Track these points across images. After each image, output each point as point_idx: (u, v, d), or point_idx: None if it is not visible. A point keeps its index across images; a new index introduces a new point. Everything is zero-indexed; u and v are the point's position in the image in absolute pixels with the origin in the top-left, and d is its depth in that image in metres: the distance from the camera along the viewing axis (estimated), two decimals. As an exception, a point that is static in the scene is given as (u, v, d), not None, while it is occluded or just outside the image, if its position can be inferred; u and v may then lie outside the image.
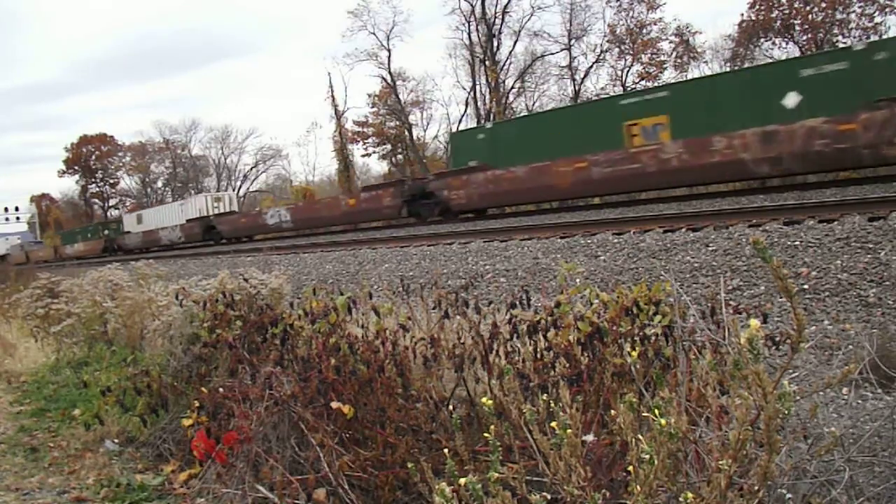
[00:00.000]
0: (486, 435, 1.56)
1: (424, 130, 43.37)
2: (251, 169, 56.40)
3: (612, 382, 2.22)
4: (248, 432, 2.43)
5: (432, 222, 18.32)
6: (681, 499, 1.27)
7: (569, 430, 1.48)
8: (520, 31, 36.26)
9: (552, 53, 37.12)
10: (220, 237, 28.65)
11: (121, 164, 61.95)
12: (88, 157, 60.56)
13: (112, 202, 63.55)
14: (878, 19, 29.53)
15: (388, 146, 44.05)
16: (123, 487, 2.80)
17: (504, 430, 1.70)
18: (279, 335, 3.08)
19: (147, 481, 2.82)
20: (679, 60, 35.61)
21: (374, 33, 38.70)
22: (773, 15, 32.08)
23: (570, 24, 35.88)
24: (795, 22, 31.48)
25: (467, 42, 37.13)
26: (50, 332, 5.82)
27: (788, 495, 1.59)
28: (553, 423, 1.52)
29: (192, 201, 33.56)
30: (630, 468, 1.39)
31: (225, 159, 57.62)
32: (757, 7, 32.53)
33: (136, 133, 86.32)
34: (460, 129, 25.40)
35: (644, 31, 35.36)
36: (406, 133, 41.58)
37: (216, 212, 31.85)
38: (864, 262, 5.25)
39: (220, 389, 2.78)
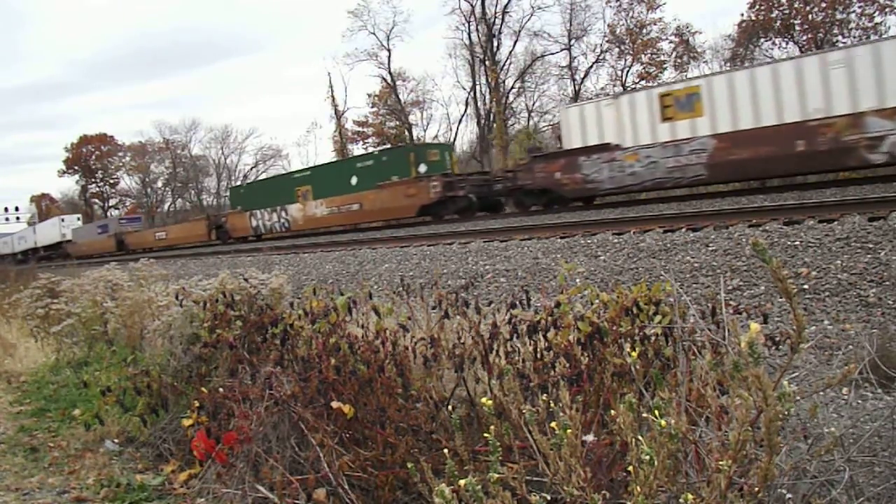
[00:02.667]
0: (486, 435, 1.56)
1: (424, 130, 43.38)
2: (251, 169, 56.32)
3: (612, 382, 2.22)
4: (248, 432, 2.43)
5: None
6: (681, 499, 1.27)
7: (569, 431, 1.48)
8: (520, 31, 36.32)
9: (552, 53, 37.19)
10: None
11: (121, 164, 61.96)
12: (88, 157, 60.55)
13: (112, 202, 63.56)
14: (878, 19, 29.58)
15: (389, 146, 44.05)
16: (123, 487, 2.80)
17: (504, 430, 1.70)
18: (279, 335, 3.07)
19: (147, 481, 2.82)
20: (679, 60, 35.62)
21: (374, 33, 38.81)
22: (773, 15, 32.07)
23: (570, 24, 35.95)
24: (795, 22, 31.47)
25: (467, 42, 37.21)
26: (50, 332, 5.81)
27: (788, 495, 1.59)
28: (553, 424, 1.51)
29: None
30: (630, 468, 1.39)
31: (225, 159, 57.61)
32: (757, 7, 32.52)
33: (136, 133, 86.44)
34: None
35: (644, 31, 35.38)
36: (406, 133, 41.58)
37: None
38: (864, 262, 5.25)
39: (220, 389, 2.78)
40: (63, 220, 38.93)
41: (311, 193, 22.18)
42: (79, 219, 40.42)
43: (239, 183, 34.03)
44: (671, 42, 35.55)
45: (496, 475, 1.43)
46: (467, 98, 38.61)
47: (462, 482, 1.41)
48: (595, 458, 1.69)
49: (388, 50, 39.20)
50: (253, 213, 24.61)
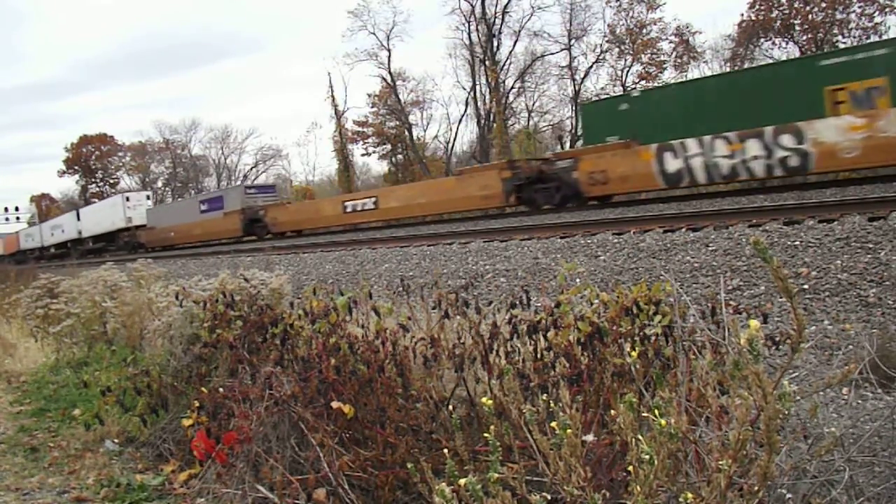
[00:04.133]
0: (486, 435, 1.56)
1: (424, 130, 43.30)
2: (251, 169, 56.33)
3: (612, 382, 2.22)
4: (248, 432, 2.43)
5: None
6: (681, 499, 1.27)
7: (569, 430, 1.48)
8: (520, 31, 36.24)
9: (552, 53, 37.10)
10: None
11: (121, 164, 61.92)
12: (88, 157, 60.49)
13: (112, 203, 63.44)
14: (878, 19, 29.58)
15: (388, 146, 44.01)
16: (123, 487, 2.80)
17: (504, 430, 1.70)
18: (279, 335, 3.07)
19: (147, 481, 2.82)
20: (679, 60, 35.62)
21: (374, 33, 38.69)
22: (773, 15, 32.07)
23: (570, 24, 35.86)
24: (795, 22, 31.47)
25: (467, 42, 37.12)
26: (50, 332, 5.82)
27: (788, 495, 1.59)
28: (553, 423, 1.51)
29: None
30: (630, 468, 1.39)
31: (225, 159, 57.61)
32: (757, 7, 32.52)
33: (136, 133, 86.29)
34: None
35: (644, 31, 35.35)
36: (406, 133, 41.56)
37: None
38: (864, 262, 5.25)
39: (220, 389, 2.78)
40: (128, 198, 29.32)
41: (890, 93, 11.12)
42: (148, 197, 31.56)
43: (618, 93, 17.96)
44: (671, 42, 35.56)
45: (496, 475, 1.43)
46: (467, 98, 38.58)
47: (462, 482, 1.41)
48: (595, 458, 1.69)
49: (388, 50, 39.16)
50: (668, 146, 13.03)
